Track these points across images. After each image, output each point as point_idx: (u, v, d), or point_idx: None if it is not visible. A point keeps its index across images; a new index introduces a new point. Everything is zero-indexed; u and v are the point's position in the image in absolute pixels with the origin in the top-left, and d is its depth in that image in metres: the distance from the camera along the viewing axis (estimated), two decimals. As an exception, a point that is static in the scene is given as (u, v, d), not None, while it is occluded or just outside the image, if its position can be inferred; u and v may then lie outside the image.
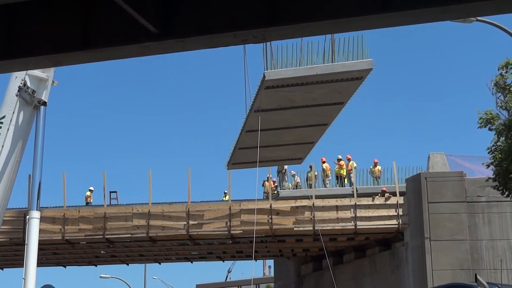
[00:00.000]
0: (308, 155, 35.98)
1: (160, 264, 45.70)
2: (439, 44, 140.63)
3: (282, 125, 31.23)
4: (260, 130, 29.76)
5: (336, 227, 34.31)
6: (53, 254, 39.56)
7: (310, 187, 36.14)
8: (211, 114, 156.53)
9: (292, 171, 39.18)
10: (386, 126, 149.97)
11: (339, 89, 27.58)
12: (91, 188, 39.95)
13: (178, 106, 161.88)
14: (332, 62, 26.16)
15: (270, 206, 34.43)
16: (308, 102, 28.76)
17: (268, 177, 38.34)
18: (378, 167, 37.08)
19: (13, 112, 26.38)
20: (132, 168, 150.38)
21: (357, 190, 35.06)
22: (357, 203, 34.17)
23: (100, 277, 56.43)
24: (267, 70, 26.35)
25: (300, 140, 33.12)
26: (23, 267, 25.91)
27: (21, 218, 33.73)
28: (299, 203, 34.61)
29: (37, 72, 26.53)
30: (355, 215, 34.00)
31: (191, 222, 34.69)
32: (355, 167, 37.00)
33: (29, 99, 26.56)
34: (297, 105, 28.96)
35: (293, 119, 30.45)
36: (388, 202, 34.17)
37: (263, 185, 39.25)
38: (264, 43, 25.16)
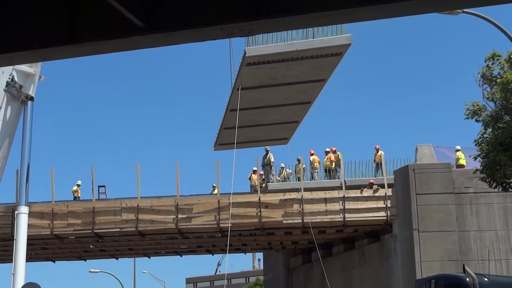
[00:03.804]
0: (293, 134, 36.19)
1: (149, 258, 45.67)
2: (427, 36, 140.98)
3: (266, 104, 31.52)
4: (244, 109, 30.00)
5: (325, 220, 34.36)
6: (42, 249, 39.48)
7: (299, 180, 36.17)
8: (199, 105, 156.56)
9: (282, 164, 39.27)
10: (374, 119, 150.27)
11: (319, 65, 28.00)
12: (79, 182, 39.85)
13: (166, 98, 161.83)
14: (311, 38, 26.65)
15: (259, 199, 34.45)
16: (290, 79, 29.12)
17: (254, 170, 38.37)
18: (381, 152, 36.77)
19: (0, 108, 26.28)
20: (121, 162, 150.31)
21: (345, 183, 35.12)
22: (346, 196, 34.24)
23: (90, 271, 56.51)
24: (248, 47, 26.69)
25: (285, 119, 33.38)
26: (12, 262, 25.87)
27: (10, 214, 33.64)
28: (288, 196, 34.65)
29: (24, 67, 26.45)
30: (344, 207, 34.06)
31: (180, 216, 34.68)
32: (342, 158, 36.89)
33: (16, 94, 26.47)
34: (279, 82, 29.30)
35: (276, 97, 30.74)
36: (376, 194, 34.25)
37: (249, 178, 39.24)
38: None
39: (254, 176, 38.07)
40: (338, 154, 37.25)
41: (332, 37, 26.57)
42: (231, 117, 31.68)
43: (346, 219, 34.10)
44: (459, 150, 35.53)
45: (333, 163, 37.34)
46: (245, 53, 27.11)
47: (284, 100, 31.08)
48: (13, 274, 25.37)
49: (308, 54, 27.02)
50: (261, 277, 70.36)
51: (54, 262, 44.96)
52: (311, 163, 37.71)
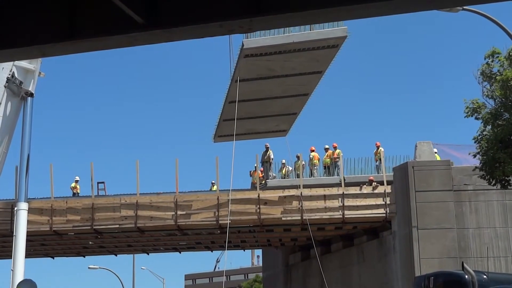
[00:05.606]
0: (291, 126, 36.36)
1: (148, 254, 45.71)
2: (427, 33, 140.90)
3: (264, 96, 31.85)
4: (243, 101, 30.33)
5: (324, 217, 34.37)
6: (41, 245, 39.49)
7: (298, 177, 36.17)
8: (198, 100, 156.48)
9: (283, 160, 39.26)
10: (373, 115, 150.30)
11: (316, 58, 28.46)
12: (77, 178, 39.83)
13: (165, 93, 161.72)
14: (308, 31, 27.22)
15: (258, 196, 34.45)
16: (287, 72, 29.54)
17: (255, 167, 38.40)
18: (381, 149, 36.64)
19: (0, 103, 26.28)
20: (120, 159, 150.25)
21: (344, 180, 35.10)
22: (345, 192, 34.23)
23: (89, 268, 56.53)
24: (245, 39, 27.08)
25: (283, 111, 33.65)
26: (11, 258, 25.90)
27: (9, 210, 33.66)
28: (287, 192, 34.65)
29: (24, 63, 26.44)
30: (343, 204, 34.06)
31: (179, 212, 34.68)
32: (341, 155, 36.84)
33: (16, 90, 26.48)
34: (277, 74, 29.69)
35: (274, 89, 31.07)
36: (375, 191, 34.23)
37: (250, 175, 39.24)
38: None
39: (255, 173, 38.09)
40: (339, 152, 37.18)
41: (328, 30, 27.12)
42: (230, 109, 31.89)
43: (345, 216, 34.11)
44: (435, 152, 35.45)
45: (331, 159, 37.21)
46: (243, 45, 27.48)
47: (282, 92, 31.43)
48: (12, 270, 25.41)
49: (305, 46, 27.55)
50: (260, 274, 70.42)
51: (53, 258, 45.00)
52: (311, 159, 37.66)
